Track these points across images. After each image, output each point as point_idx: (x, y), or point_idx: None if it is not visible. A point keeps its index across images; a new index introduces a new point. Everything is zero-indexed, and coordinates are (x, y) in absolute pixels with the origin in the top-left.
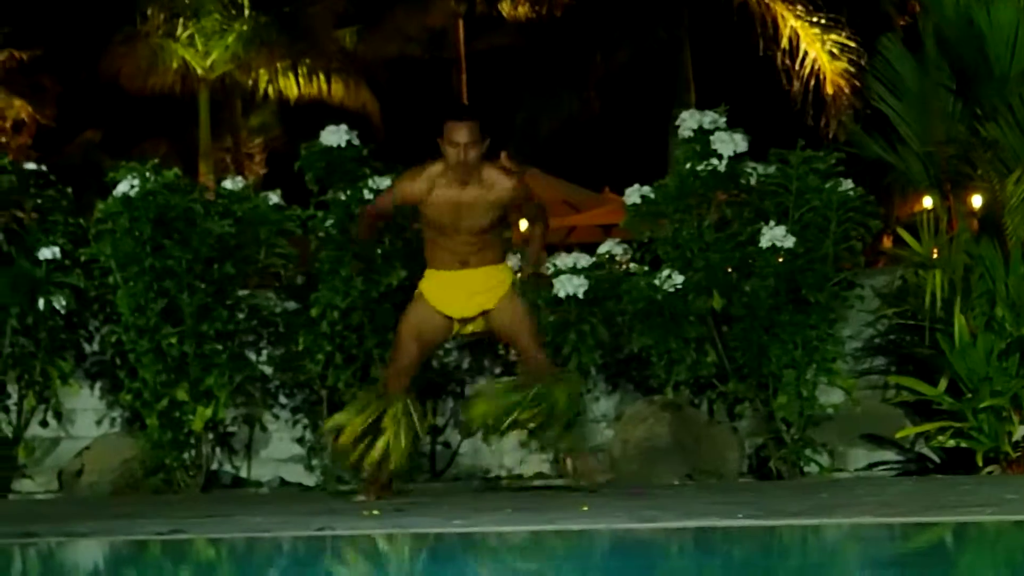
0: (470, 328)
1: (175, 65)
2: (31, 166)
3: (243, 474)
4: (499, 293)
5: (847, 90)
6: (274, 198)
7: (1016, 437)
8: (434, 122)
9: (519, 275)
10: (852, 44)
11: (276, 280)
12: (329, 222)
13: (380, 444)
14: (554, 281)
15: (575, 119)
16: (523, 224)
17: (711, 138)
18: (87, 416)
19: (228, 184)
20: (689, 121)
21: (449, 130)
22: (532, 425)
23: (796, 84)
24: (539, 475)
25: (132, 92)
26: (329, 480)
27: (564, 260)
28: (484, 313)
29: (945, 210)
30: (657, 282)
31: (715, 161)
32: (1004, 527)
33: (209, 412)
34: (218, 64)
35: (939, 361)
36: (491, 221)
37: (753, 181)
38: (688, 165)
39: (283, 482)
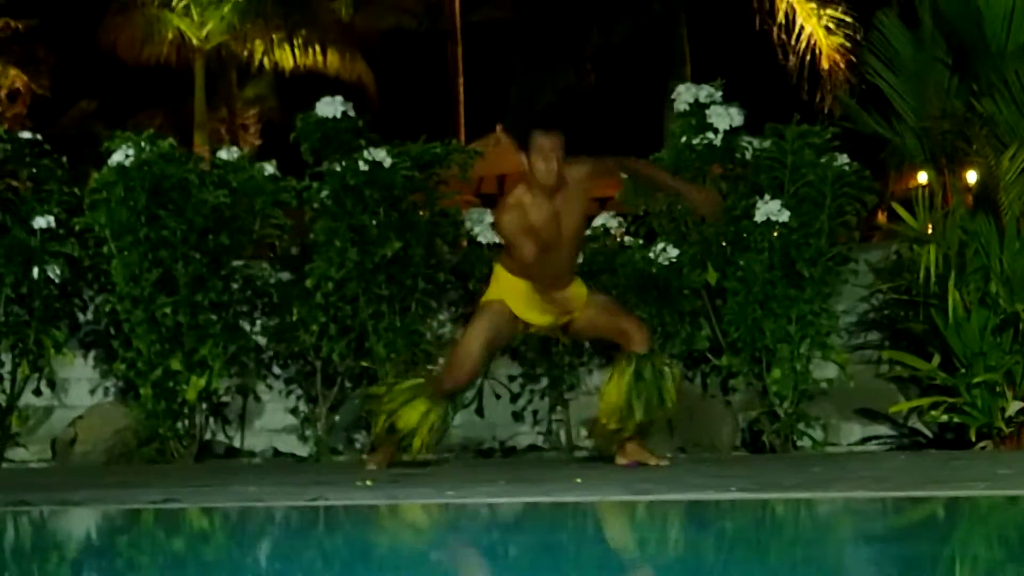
0: (548, 322)
1: (170, 35)
2: (26, 135)
3: (236, 444)
4: (581, 299)
5: (843, 65)
6: (269, 169)
7: (1009, 412)
8: (429, 95)
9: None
10: (848, 19)
11: (271, 251)
12: (324, 193)
13: (410, 427)
14: None
15: (571, 92)
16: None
17: (707, 112)
18: (81, 385)
19: (223, 154)
20: (685, 95)
21: (538, 141)
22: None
23: (792, 59)
24: (532, 447)
25: (128, 62)
26: (322, 451)
27: None
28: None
29: (940, 185)
30: (652, 255)
31: (711, 135)
32: (997, 502)
33: (203, 382)
34: (213, 34)
35: (933, 336)
36: (584, 215)
37: (748, 155)
38: (684, 139)
39: (276, 452)
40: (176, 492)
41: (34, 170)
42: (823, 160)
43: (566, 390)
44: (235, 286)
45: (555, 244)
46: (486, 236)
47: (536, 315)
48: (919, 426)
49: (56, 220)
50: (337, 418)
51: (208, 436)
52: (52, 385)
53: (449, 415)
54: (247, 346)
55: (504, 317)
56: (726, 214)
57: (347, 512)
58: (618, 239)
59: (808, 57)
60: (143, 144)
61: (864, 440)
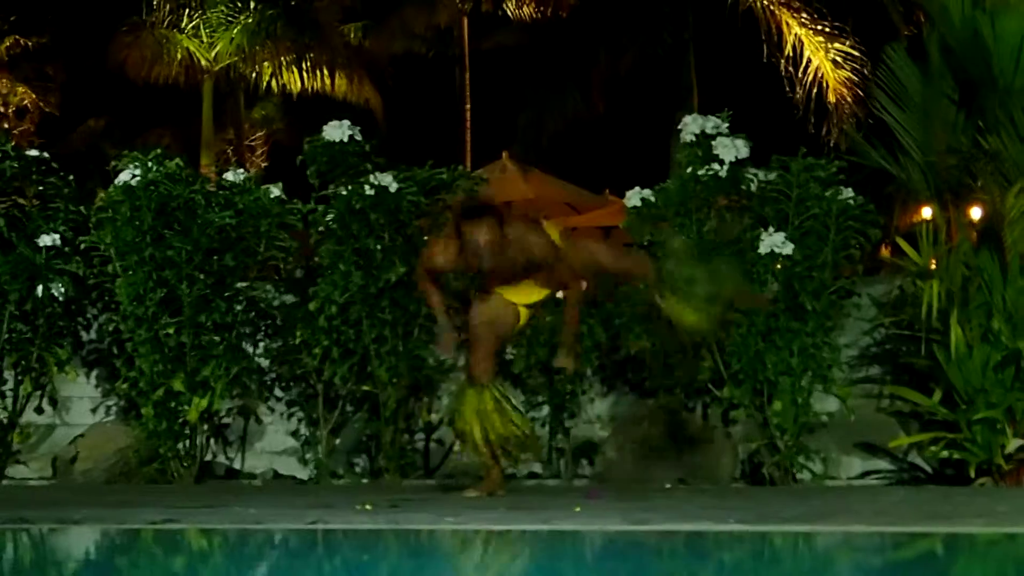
0: (535, 299)
1: (180, 56)
2: (34, 153)
3: (237, 466)
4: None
5: (850, 99)
6: (275, 191)
7: (1009, 449)
8: (436, 120)
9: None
10: (856, 53)
11: (275, 273)
12: (330, 216)
13: (496, 431)
14: None
15: (578, 120)
16: None
17: (713, 143)
18: (83, 404)
19: (230, 176)
20: (692, 125)
21: (464, 229)
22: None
23: (799, 91)
24: (532, 475)
25: (137, 82)
26: (323, 474)
27: None
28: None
29: (945, 221)
30: None
31: (716, 166)
32: (996, 539)
33: (205, 403)
34: (222, 56)
35: (935, 371)
36: (526, 267)
37: (754, 187)
38: (689, 169)
39: (277, 474)
40: (176, 512)
41: (41, 188)
42: (828, 193)
43: (567, 418)
44: (239, 307)
45: (500, 274)
46: None
47: (522, 295)
48: (919, 461)
49: (62, 238)
50: (338, 441)
51: (209, 457)
52: (54, 403)
53: (507, 403)
54: (250, 368)
55: (496, 299)
56: (730, 245)
57: (346, 536)
58: None
59: (815, 90)
60: (150, 164)
61: (864, 474)
